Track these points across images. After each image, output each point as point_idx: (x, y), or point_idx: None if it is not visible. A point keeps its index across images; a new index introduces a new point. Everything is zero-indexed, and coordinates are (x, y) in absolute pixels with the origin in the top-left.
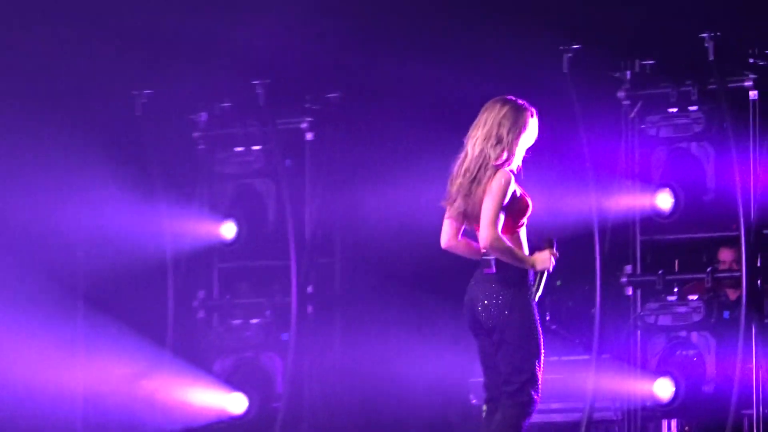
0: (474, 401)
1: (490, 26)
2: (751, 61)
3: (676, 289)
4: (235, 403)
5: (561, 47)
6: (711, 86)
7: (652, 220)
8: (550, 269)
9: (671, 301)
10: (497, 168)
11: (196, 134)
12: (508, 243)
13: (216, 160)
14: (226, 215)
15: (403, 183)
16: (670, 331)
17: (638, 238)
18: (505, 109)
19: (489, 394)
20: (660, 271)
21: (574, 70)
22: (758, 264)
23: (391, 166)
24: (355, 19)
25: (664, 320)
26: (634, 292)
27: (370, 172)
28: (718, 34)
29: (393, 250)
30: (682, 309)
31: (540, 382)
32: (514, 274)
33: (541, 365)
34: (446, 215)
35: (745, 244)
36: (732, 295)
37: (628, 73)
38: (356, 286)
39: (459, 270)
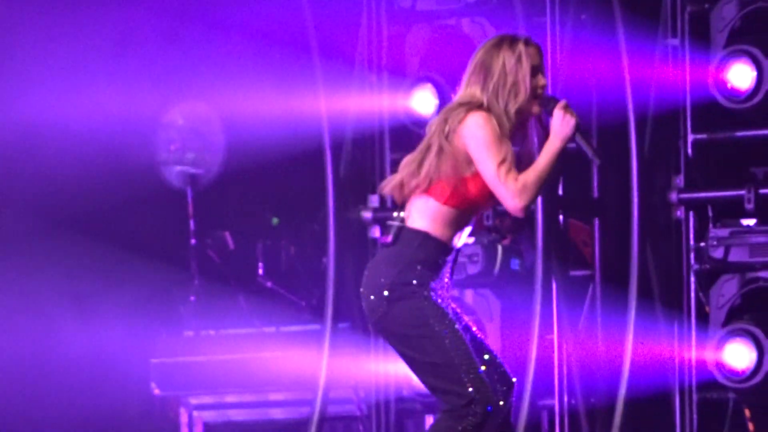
0: (157, 391)
1: None
2: None
3: None
4: None
5: None
6: None
7: (409, 130)
8: (576, 118)
9: None
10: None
11: None
12: (533, 177)
13: None
14: None
15: (50, 79)
16: None
17: (388, 156)
18: (477, 56)
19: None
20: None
21: None
22: (560, 193)
23: (32, 57)
24: None
25: None
26: (382, 231)
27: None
28: None
29: (34, 176)
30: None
31: (478, 389)
32: (412, 244)
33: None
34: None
35: None
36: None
37: None
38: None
39: (148, 204)
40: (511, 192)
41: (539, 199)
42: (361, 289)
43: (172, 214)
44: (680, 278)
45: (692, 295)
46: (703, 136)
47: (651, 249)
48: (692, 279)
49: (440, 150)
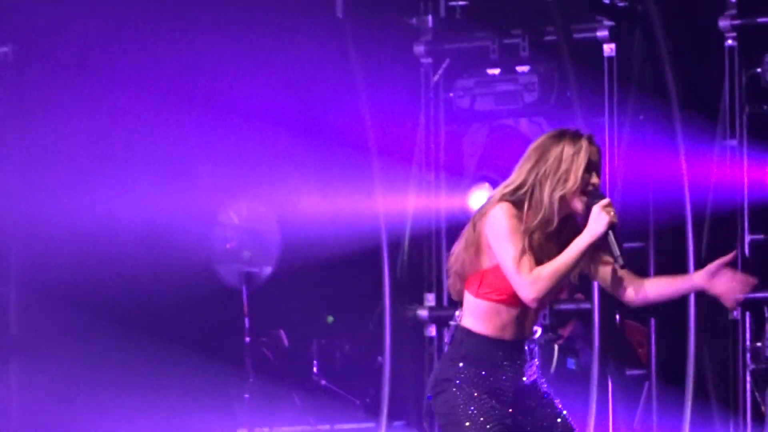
0: None
1: None
2: (606, 1)
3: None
4: None
5: None
6: (549, 37)
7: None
8: (614, 219)
9: None
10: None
11: None
12: (550, 269)
13: None
14: None
15: (105, 178)
16: None
17: (445, 255)
18: (536, 142)
19: None
20: None
21: (352, 15)
22: None
23: (88, 155)
24: None
25: None
26: (439, 330)
27: (58, 162)
28: None
29: (91, 273)
30: None
31: None
32: (457, 341)
33: None
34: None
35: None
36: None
37: (430, 18)
38: (41, 324)
39: (204, 302)
40: (524, 282)
41: (596, 299)
42: None
43: (227, 312)
44: (736, 378)
45: (748, 395)
46: (760, 236)
47: (707, 349)
48: (748, 379)
49: (469, 242)
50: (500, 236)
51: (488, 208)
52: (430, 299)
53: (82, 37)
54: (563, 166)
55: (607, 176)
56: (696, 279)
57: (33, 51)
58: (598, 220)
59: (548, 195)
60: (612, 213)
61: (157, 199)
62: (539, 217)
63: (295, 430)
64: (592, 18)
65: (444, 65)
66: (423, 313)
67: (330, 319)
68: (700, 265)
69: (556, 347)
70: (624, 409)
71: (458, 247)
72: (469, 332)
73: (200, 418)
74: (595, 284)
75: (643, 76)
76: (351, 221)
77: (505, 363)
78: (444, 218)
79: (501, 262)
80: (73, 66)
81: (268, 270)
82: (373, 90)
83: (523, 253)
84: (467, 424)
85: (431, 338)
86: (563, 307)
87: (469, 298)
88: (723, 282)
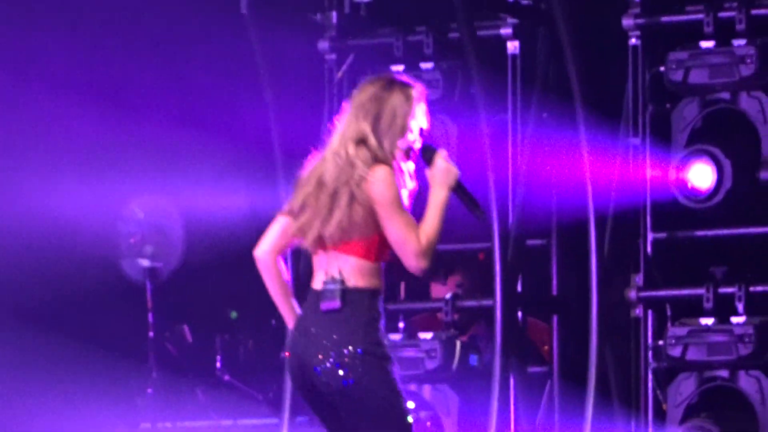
0: None
1: None
2: None
3: (401, 324)
4: None
5: None
6: (452, 34)
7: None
8: (458, 173)
9: (394, 341)
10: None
11: None
12: (432, 235)
13: None
14: None
15: (6, 171)
16: None
17: None
18: (368, 92)
19: None
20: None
21: (257, 10)
22: (519, 289)
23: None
24: None
25: None
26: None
27: None
28: None
29: (4, 268)
30: (410, 352)
31: None
32: (362, 305)
33: None
34: (279, 223)
35: (500, 261)
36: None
37: (334, 14)
38: None
39: (107, 297)
40: (419, 251)
41: (498, 295)
42: (303, 357)
43: (130, 307)
44: (638, 377)
45: (650, 393)
46: (663, 234)
47: (609, 347)
48: (650, 377)
49: (352, 199)
50: (389, 204)
51: (366, 171)
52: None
53: None
54: (398, 121)
55: (509, 173)
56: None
57: None
58: (447, 172)
59: (389, 150)
60: (454, 165)
61: (61, 192)
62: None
63: (199, 425)
64: (497, 16)
65: (348, 61)
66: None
67: (233, 314)
68: (601, 263)
69: (458, 343)
70: (526, 407)
71: (319, 214)
72: (373, 292)
73: (103, 413)
74: (498, 280)
75: (546, 75)
76: (256, 216)
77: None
78: None
79: (391, 230)
80: None
81: (171, 265)
82: (277, 87)
83: (410, 220)
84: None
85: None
86: (466, 303)
87: (362, 263)
88: None
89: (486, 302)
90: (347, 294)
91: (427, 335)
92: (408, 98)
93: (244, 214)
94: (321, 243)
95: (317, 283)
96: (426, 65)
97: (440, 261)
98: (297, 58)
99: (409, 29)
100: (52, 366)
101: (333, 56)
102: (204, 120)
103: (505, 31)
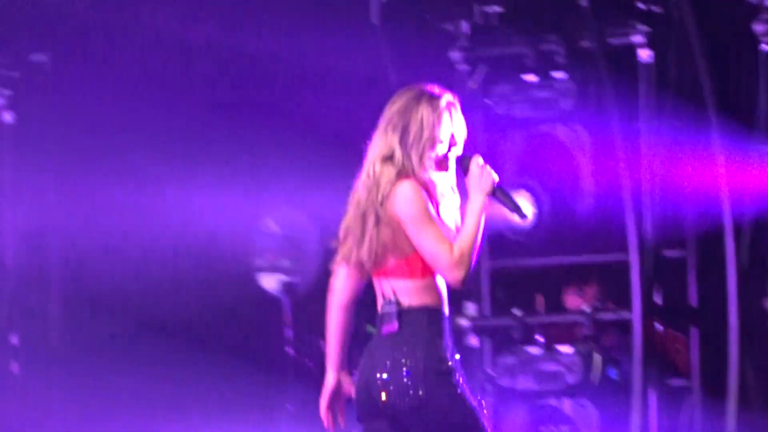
0: None
1: None
2: (641, 7)
3: (540, 338)
4: None
5: None
6: (584, 43)
7: (504, 238)
8: (496, 178)
9: (534, 354)
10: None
11: None
12: (468, 244)
13: None
14: None
15: (144, 185)
16: (534, 398)
17: (485, 264)
18: (396, 106)
19: None
20: (517, 312)
21: (388, 20)
22: (653, 300)
23: (132, 161)
24: None
25: (525, 382)
26: (481, 341)
27: (95, 170)
28: None
29: (137, 284)
30: (550, 366)
31: None
32: (421, 323)
33: None
34: (338, 276)
35: (638, 272)
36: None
37: (465, 24)
38: (85, 336)
39: (245, 312)
40: (451, 264)
41: (637, 307)
42: (369, 380)
43: (268, 321)
44: None
45: None
46: None
47: (750, 358)
48: None
49: (378, 220)
50: (416, 220)
51: (388, 189)
52: (470, 309)
53: (115, 41)
54: (426, 133)
55: (644, 183)
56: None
57: (69, 58)
58: (484, 177)
59: (418, 163)
60: (490, 169)
61: (197, 207)
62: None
63: None
64: (628, 23)
65: (480, 72)
66: (464, 323)
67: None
68: (740, 271)
69: (597, 357)
70: (667, 419)
71: (358, 237)
72: (431, 310)
73: (242, 428)
74: (636, 292)
75: (679, 82)
76: None
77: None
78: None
79: (421, 246)
80: (107, 71)
81: (308, 279)
82: None
83: (439, 233)
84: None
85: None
86: (605, 316)
87: (411, 283)
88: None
89: (624, 314)
90: (403, 315)
91: (566, 348)
92: (435, 108)
93: None
94: (364, 268)
95: (379, 307)
96: (558, 74)
97: (576, 272)
98: (428, 69)
99: (541, 38)
100: (190, 381)
101: (464, 66)
102: (338, 134)
103: (637, 38)
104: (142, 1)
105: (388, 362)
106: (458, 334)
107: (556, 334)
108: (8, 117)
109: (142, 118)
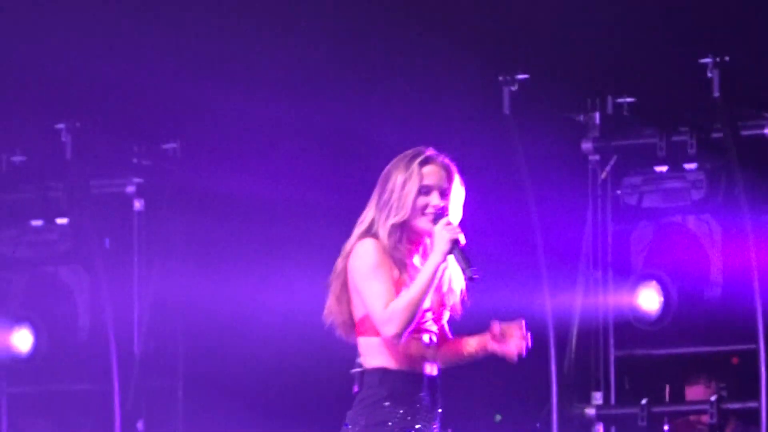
0: None
1: (400, 47)
2: None
3: (666, 428)
4: None
5: (501, 77)
6: (716, 134)
7: (632, 327)
8: (456, 234)
9: None
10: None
11: None
12: (403, 301)
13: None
14: (18, 319)
15: (276, 270)
16: None
17: (612, 353)
18: (386, 168)
19: None
20: (643, 401)
21: (519, 111)
22: None
23: (257, 247)
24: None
25: None
26: (606, 429)
27: (226, 258)
28: (726, 59)
29: (260, 367)
30: None
31: None
32: (372, 384)
33: None
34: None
35: (765, 362)
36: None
37: (597, 115)
38: (207, 418)
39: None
40: (382, 319)
41: (764, 397)
42: None
43: None
44: None
45: None
46: None
47: None
48: None
49: (340, 292)
50: (360, 275)
51: (350, 247)
52: (597, 397)
53: (242, 128)
54: (395, 195)
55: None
56: (482, 342)
57: (199, 145)
58: (441, 238)
59: (383, 226)
60: (455, 229)
61: (300, 285)
62: (390, 247)
63: None
64: (760, 115)
65: (612, 162)
66: (590, 411)
67: (498, 417)
68: None
69: None
70: None
71: (330, 301)
72: (385, 370)
73: None
74: (763, 382)
75: None
76: (520, 319)
77: (423, 403)
78: (611, 316)
79: (364, 301)
80: (235, 158)
81: None
82: (540, 187)
83: (381, 289)
84: None
85: None
86: (731, 406)
87: (369, 341)
88: (510, 342)
89: (751, 403)
90: (364, 375)
91: None
92: (407, 167)
93: (506, 316)
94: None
95: None
96: (689, 166)
97: (702, 361)
98: (559, 159)
99: (672, 129)
100: None
101: (596, 157)
102: (465, 218)
103: None
104: (270, 89)
105: (347, 425)
106: (584, 422)
107: (681, 423)
108: (138, 204)
109: (262, 202)
